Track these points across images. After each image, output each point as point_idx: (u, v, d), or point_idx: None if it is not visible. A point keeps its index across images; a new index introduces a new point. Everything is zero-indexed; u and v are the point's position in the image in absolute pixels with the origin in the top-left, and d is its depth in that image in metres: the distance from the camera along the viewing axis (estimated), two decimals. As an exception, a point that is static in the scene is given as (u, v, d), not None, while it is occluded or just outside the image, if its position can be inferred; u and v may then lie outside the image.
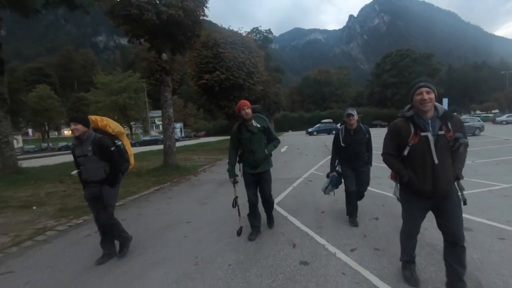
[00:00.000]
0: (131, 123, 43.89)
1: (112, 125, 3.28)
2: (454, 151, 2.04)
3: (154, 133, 50.01)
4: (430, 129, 2.03)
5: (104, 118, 3.30)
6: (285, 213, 4.42)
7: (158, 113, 57.38)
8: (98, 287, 2.64)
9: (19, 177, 8.57)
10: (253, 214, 3.54)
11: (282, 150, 15.49)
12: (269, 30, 42.73)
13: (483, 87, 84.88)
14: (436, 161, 2.01)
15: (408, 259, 2.41)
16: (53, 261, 3.24)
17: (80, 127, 2.90)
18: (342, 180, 3.91)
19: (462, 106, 75.86)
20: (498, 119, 35.52)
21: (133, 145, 34.90)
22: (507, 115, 36.45)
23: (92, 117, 3.15)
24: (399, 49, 60.60)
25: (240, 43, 15.83)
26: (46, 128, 47.27)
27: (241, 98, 21.39)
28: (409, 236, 2.37)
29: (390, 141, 2.27)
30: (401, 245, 2.45)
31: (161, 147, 11.23)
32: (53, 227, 4.42)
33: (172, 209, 5.15)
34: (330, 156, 4.01)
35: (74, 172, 3.22)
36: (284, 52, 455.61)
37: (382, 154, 2.35)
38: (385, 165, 2.36)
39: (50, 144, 42.15)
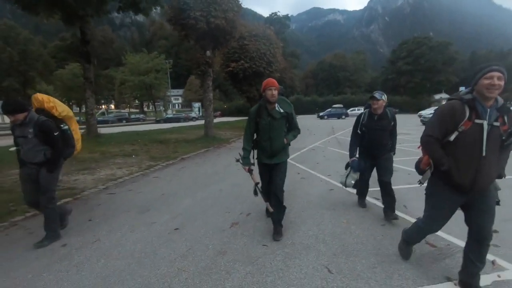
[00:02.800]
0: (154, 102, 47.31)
1: (59, 108, 3.09)
2: (505, 147, 1.91)
3: (170, 112, 52.96)
4: (488, 118, 1.83)
5: (52, 99, 3.10)
6: (293, 162, 7.34)
7: (174, 92, 60.65)
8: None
9: (101, 140, 11.83)
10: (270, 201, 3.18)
11: (294, 130, 18.30)
12: (287, 15, 44.26)
13: (507, 76, 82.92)
14: (484, 153, 1.84)
15: (411, 241, 2.44)
16: (154, 182, 6.32)
17: (19, 115, 2.81)
18: (363, 164, 3.57)
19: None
20: None
21: (157, 121, 38.43)
22: None
23: (39, 97, 3.03)
24: (417, 36, 60.63)
25: (262, 35, 18.34)
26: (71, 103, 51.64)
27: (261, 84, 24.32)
28: (424, 233, 2.29)
29: (438, 123, 1.99)
30: (411, 236, 2.38)
31: (186, 124, 14.28)
32: (155, 165, 7.50)
33: (222, 159, 8.18)
34: (349, 140, 3.67)
35: (12, 149, 3.11)
36: (301, 32, 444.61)
37: (424, 136, 2.07)
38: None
39: (81, 118, 46.20)
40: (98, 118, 40.11)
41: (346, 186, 3.69)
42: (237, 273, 2.41)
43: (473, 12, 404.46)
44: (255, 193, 3.15)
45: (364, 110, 3.54)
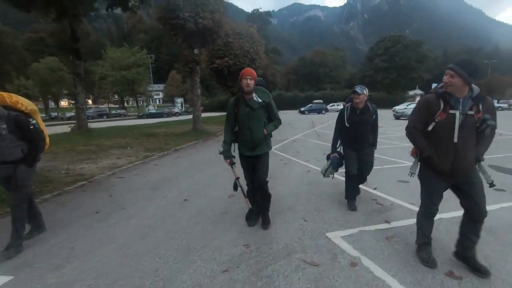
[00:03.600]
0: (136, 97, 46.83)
1: (25, 103, 2.99)
2: (480, 133, 2.03)
3: (151, 107, 52.49)
4: (460, 107, 2.01)
5: (13, 94, 2.97)
6: (276, 151, 8.28)
7: (155, 87, 60.16)
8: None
9: (92, 134, 12.25)
10: (252, 198, 3.27)
11: (277, 124, 19.32)
12: (268, 12, 45.03)
13: (480, 71, 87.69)
14: (455, 140, 2.02)
15: (425, 241, 2.41)
16: (155, 169, 7.08)
17: None
18: (343, 163, 3.69)
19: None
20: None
21: (140, 117, 38.27)
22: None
23: None
24: (392, 35, 63.34)
25: (246, 33, 19.07)
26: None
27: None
28: (426, 217, 2.37)
29: (418, 115, 2.21)
30: (418, 227, 2.45)
31: (169, 119, 14.88)
32: (151, 155, 8.20)
33: (212, 149, 8.99)
34: (333, 136, 3.73)
35: None
36: (282, 28, 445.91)
37: (407, 127, 2.31)
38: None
39: (59, 114, 45.01)
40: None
41: (324, 176, 3.89)
42: (239, 225, 3.29)
43: (447, 11, 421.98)
44: (235, 187, 3.22)
45: (346, 104, 3.58)
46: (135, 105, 54.62)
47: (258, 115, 2.93)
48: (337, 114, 3.73)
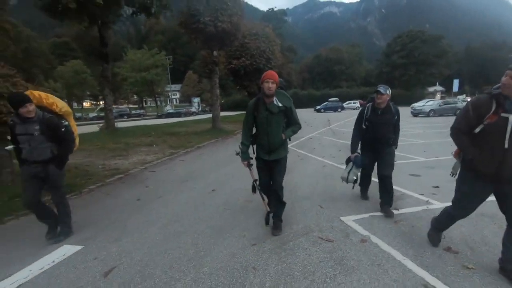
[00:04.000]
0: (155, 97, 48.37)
1: (60, 104, 3.07)
2: None
3: (169, 107, 53.95)
4: None
5: (50, 95, 3.06)
6: (293, 148, 8.67)
7: (172, 87, 61.95)
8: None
9: (119, 133, 13.09)
10: (265, 193, 3.25)
11: (293, 122, 19.69)
12: (283, 10, 45.20)
13: (500, 68, 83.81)
14: (506, 146, 1.95)
15: (441, 228, 2.54)
16: (182, 164, 7.65)
17: (33, 107, 2.75)
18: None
19: (477, 88, 76.51)
20: None
21: (159, 116, 39.58)
22: None
23: (36, 93, 2.95)
24: (411, 30, 61.76)
25: (261, 34, 19.50)
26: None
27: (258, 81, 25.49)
28: (453, 220, 2.38)
29: (464, 116, 2.14)
30: (442, 223, 2.50)
31: (187, 118, 15.49)
32: (176, 152, 8.81)
33: (231, 147, 9.50)
34: (351, 135, 3.65)
35: (10, 147, 3.04)
36: (297, 25, 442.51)
37: (452, 128, 2.26)
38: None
39: (83, 114, 47.20)
40: (100, 114, 41.52)
41: (347, 182, 3.67)
42: (262, 211, 3.73)
43: (468, 2, 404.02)
44: (253, 190, 3.14)
45: (367, 104, 3.50)
46: (154, 105, 56.33)
47: (277, 120, 2.85)
48: (353, 112, 3.89)
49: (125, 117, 45.64)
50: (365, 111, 3.45)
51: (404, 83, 57.37)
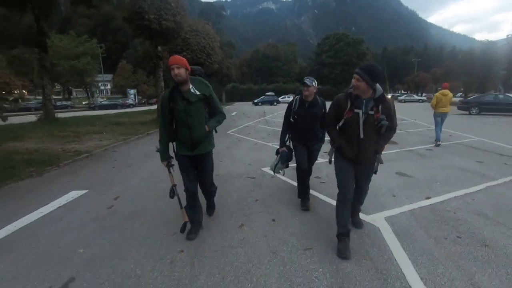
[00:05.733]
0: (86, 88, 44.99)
1: None
2: (378, 130, 2.33)
3: (99, 98, 50.73)
4: (363, 108, 2.31)
5: None
6: (232, 133, 10.49)
7: (102, 77, 57.97)
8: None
9: (60, 123, 13.16)
10: (191, 206, 2.83)
11: (232, 114, 21.53)
12: (222, 5, 46.17)
13: (408, 70, 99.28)
14: (362, 136, 2.36)
15: (342, 231, 2.51)
16: (138, 146, 8.91)
17: None
18: (293, 157, 3.51)
19: (392, 87, 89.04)
20: (399, 98, 46.89)
21: (92, 108, 37.28)
22: (405, 95, 48.19)
23: None
24: (336, 33, 69.12)
25: (202, 31, 20.72)
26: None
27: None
28: (343, 201, 2.54)
29: (331, 112, 2.58)
30: (336, 215, 2.57)
31: (126, 110, 16.25)
32: (128, 138, 9.84)
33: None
34: (281, 128, 3.57)
35: None
36: (236, 19, 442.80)
37: (324, 121, 2.88)
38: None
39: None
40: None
41: (274, 173, 3.65)
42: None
43: (387, 11, 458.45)
44: (171, 195, 2.72)
45: (295, 96, 3.43)
46: (80, 96, 51.92)
47: (197, 110, 2.58)
48: (287, 105, 3.60)
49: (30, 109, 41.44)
50: (293, 104, 3.39)
51: (332, 81, 64.22)
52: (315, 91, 3.29)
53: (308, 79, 3.23)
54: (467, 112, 17.96)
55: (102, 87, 76.47)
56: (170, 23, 12.51)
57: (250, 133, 10.77)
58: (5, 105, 4.75)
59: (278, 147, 3.55)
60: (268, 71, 74.25)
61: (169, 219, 3.23)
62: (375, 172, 2.63)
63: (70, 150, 7.61)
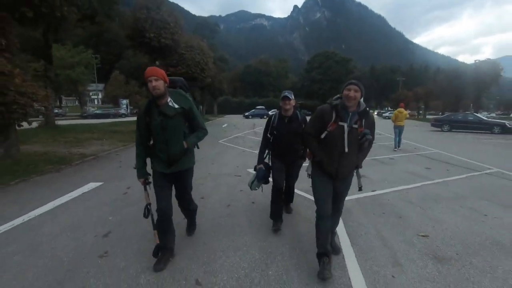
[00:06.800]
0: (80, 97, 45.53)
1: None
2: (361, 144, 2.28)
3: (90, 108, 51.24)
4: (348, 121, 2.24)
5: None
6: (224, 142, 11.53)
7: (93, 86, 58.72)
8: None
9: (60, 130, 13.94)
10: (164, 230, 2.58)
11: (223, 126, 22.63)
12: (216, 22, 48.13)
13: (394, 88, 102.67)
14: (347, 150, 2.26)
15: (322, 251, 2.41)
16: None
17: None
18: (271, 175, 3.34)
19: (380, 103, 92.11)
20: (383, 114, 49.29)
21: (85, 117, 37.78)
22: (388, 112, 50.66)
23: None
24: (326, 51, 72.14)
25: (197, 46, 22.06)
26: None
27: (195, 88, 26.85)
28: (322, 218, 2.44)
29: (313, 122, 2.43)
30: (316, 235, 2.49)
31: (118, 119, 17.06)
32: (128, 143, 10.72)
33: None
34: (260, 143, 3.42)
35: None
36: (230, 33, 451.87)
37: (303, 133, 2.61)
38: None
39: None
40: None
41: (251, 189, 3.44)
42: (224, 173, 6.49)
43: (375, 31, 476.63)
44: (145, 214, 2.53)
45: (274, 112, 3.37)
46: (71, 104, 52.18)
47: (175, 125, 2.42)
48: None
49: (40, 116, 41.76)
50: (272, 119, 3.27)
51: (322, 96, 66.55)
52: (294, 104, 3.20)
53: (287, 92, 3.13)
54: (439, 129, 19.58)
55: (93, 97, 76.77)
56: (168, 41, 13.71)
57: (239, 142, 11.84)
58: (31, 112, 5.64)
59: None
60: (259, 85, 76.29)
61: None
62: (360, 188, 2.46)
63: (76, 153, 8.47)
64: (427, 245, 2.94)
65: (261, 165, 3.28)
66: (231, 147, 10.28)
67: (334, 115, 2.28)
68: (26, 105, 5.94)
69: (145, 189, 2.58)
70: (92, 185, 5.10)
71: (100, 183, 5.20)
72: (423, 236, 3.15)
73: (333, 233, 2.80)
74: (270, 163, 3.38)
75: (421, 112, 51.97)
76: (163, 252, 2.55)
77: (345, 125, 2.25)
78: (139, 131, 2.49)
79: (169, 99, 2.40)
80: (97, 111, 40.28)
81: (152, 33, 13.19)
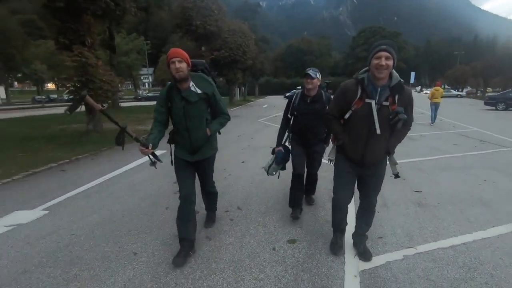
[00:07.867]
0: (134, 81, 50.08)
1: None
2: (392, 125, 1.93)
3: (141, 91, 55.56)
4: (377, 97, 1.90)
5: None
6: (263, 121, 12.58)
7: (144, 71, 63.30)
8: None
9: (123, 111, 16.22)
10: (185, 218, 2.43)
11: (264, 106, 23.67)
12: (258, 3, 47.89)
13: (451, 64, 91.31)
14: (379, 131, 1.93)
15: (337, 228, 2.39)
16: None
17: None
18: (289, 158, 3.16)
19: (434, 80, 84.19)
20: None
21: (138, 99, 41.63)
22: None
23: None
24: (372, 26, 67.81)
25: (238, 30, 22.95)
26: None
27: (237, 70, 28.06)
28: (337, 206, 2.32)
29: (335, 101, 2.13)
30: (332, 215, 2.42)
31: None
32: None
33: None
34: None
35: None
36: (271, 11, 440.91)
37: (325, 113, 2.25)
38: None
39: (58, 96, 47.58)
40: (66, 97, 42.52)
41: (268, 174, 3.22)
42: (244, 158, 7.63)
43: (432, 1, 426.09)
44: (118, 141, 2.34)
45: (297, 91, 3.12)
46: (124, 88, 57.21)
47: (198, 111, 2.30)
48: None
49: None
50: (293, 98, 3.08)
51: (366, 75, 63.52)
52: (319, 83, 2.95)
53: (311, 70, 2.89)
54: (494, 108, 18.26)
55: (144, 80, 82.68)
56: (213, 28, 14.86)
57: (277, 121, 12.76)
58: (109, 95, 7.24)
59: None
60: (301, 65, 74.91)
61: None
62: (397, 176, 2.17)
63: (141, 130, 10.24)
64: (417, 197, 3.72)
65: (280, 148, 3.12)
66: (269, 125, 11.32)
67: (360, 91, 1.97)
68: (108, 90, 7.59)
69: (154, 157, 2.39)
70: (158, 152, 6.54)
71: (164, 151, 6.62)
72: (416, 191, 3.92)
73: (365, 235, 2.44)
74: (290, 147, 3.20)
75: (481, 89, 46.97)
76: (183, 245, 2.41)
77: (373, 102, 1.92)
78: (158, 113, 2.34)
79: (191, 83, 2.25)
80: (149, 94, 44.00)
81: (199, 21, 14.43)
